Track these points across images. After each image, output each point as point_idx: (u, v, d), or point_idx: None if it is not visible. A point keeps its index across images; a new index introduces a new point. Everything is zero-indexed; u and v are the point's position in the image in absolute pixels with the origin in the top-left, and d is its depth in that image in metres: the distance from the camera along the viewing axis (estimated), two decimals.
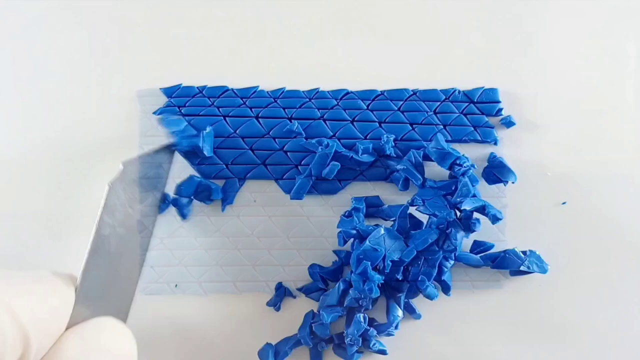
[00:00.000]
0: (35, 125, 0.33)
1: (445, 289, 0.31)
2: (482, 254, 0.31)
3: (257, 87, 0.33)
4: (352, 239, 0.30)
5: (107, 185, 0.25)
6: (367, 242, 0.28)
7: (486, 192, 0.32)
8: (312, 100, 0.33)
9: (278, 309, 0.31)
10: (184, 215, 0.32)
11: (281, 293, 0.31)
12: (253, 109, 0.33)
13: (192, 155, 0.32)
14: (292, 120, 0.33)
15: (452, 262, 0.30)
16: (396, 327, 0.30)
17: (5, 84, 0.33)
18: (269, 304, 0.31)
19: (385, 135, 0.32)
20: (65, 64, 0.33)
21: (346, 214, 0.30)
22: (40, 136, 0.32)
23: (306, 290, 0.32)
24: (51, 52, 0.33)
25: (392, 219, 0.31)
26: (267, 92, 0.33)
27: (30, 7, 0.34)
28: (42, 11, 0.34)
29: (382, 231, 0.29)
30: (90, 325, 0.22)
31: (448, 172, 0.31)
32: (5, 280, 0.20)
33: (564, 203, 0.32)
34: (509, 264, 0.30)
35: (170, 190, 0.32)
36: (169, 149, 0.31)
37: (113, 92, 0.33)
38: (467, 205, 0.29)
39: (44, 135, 0.33)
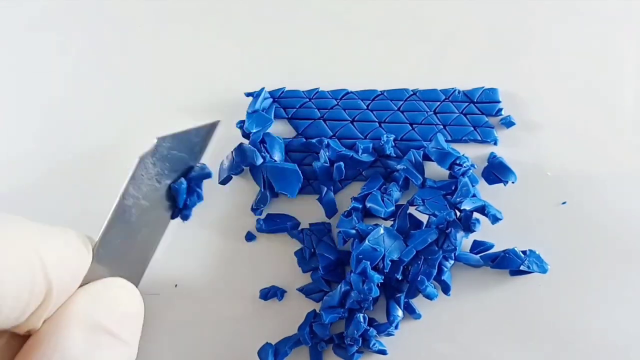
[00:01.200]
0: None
1: (445, 289, 0.31)
2: (482, 254, 0.31)
3: None
4: (351, 239, 0.30)
5: (138, 158, 0.25)
6: (367, 241, 0.28)
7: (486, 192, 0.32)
8: (312, 100, 0.33)
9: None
10: (185, 217, 0.31)
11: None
12: None
13: None
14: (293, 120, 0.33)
15: (451, 262, 0.30)
16: (396, 327, 0.30)
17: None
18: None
19: (385, 135, 0.32)
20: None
21: (345, 213, 0.30)
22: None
23: (306, 291, 0.31)
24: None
25: (391, 218, 0.31)
26: (267, 92, 0.33)
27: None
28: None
29: (382, 231, 0.29)
30: (101, 284, 0.22)
31: (448, 172, 0.31)
32: (36, 229, 0.20)
33: (564, 203, 0.32)
34: (509, 263, 0.30)
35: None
36: (209, 129, 0.30)
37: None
38: (467, 205, 0.29)
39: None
